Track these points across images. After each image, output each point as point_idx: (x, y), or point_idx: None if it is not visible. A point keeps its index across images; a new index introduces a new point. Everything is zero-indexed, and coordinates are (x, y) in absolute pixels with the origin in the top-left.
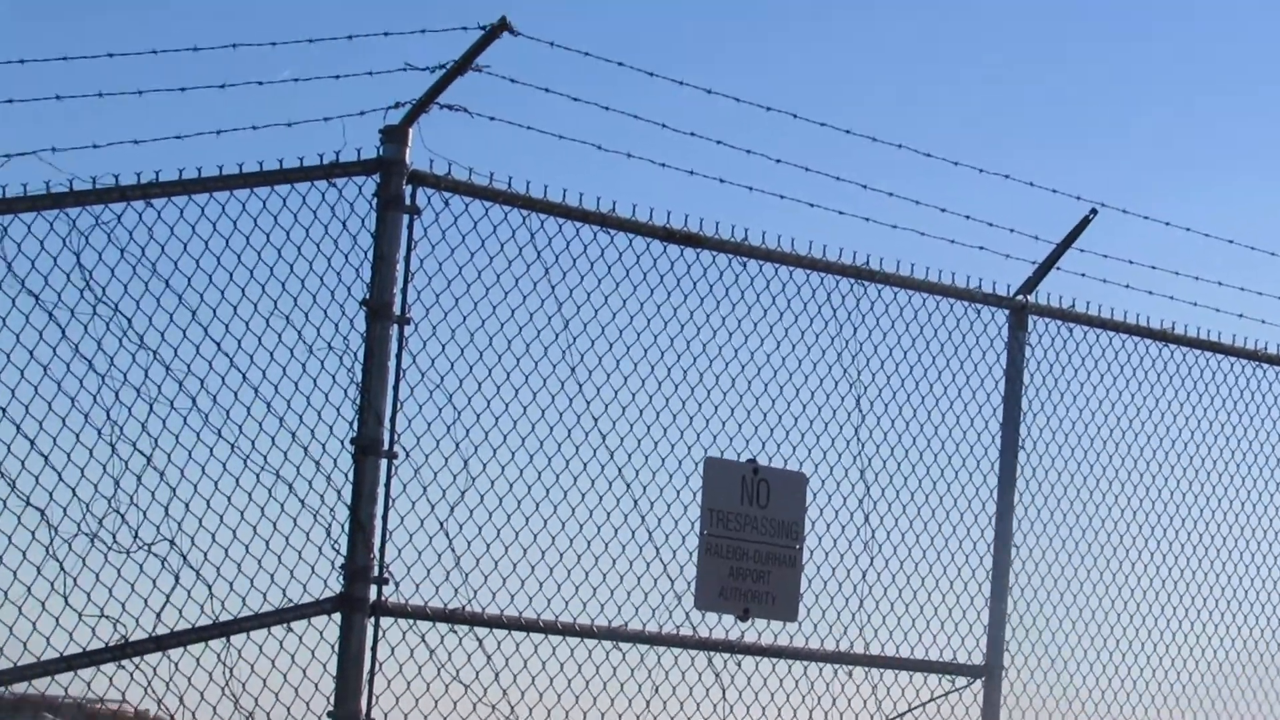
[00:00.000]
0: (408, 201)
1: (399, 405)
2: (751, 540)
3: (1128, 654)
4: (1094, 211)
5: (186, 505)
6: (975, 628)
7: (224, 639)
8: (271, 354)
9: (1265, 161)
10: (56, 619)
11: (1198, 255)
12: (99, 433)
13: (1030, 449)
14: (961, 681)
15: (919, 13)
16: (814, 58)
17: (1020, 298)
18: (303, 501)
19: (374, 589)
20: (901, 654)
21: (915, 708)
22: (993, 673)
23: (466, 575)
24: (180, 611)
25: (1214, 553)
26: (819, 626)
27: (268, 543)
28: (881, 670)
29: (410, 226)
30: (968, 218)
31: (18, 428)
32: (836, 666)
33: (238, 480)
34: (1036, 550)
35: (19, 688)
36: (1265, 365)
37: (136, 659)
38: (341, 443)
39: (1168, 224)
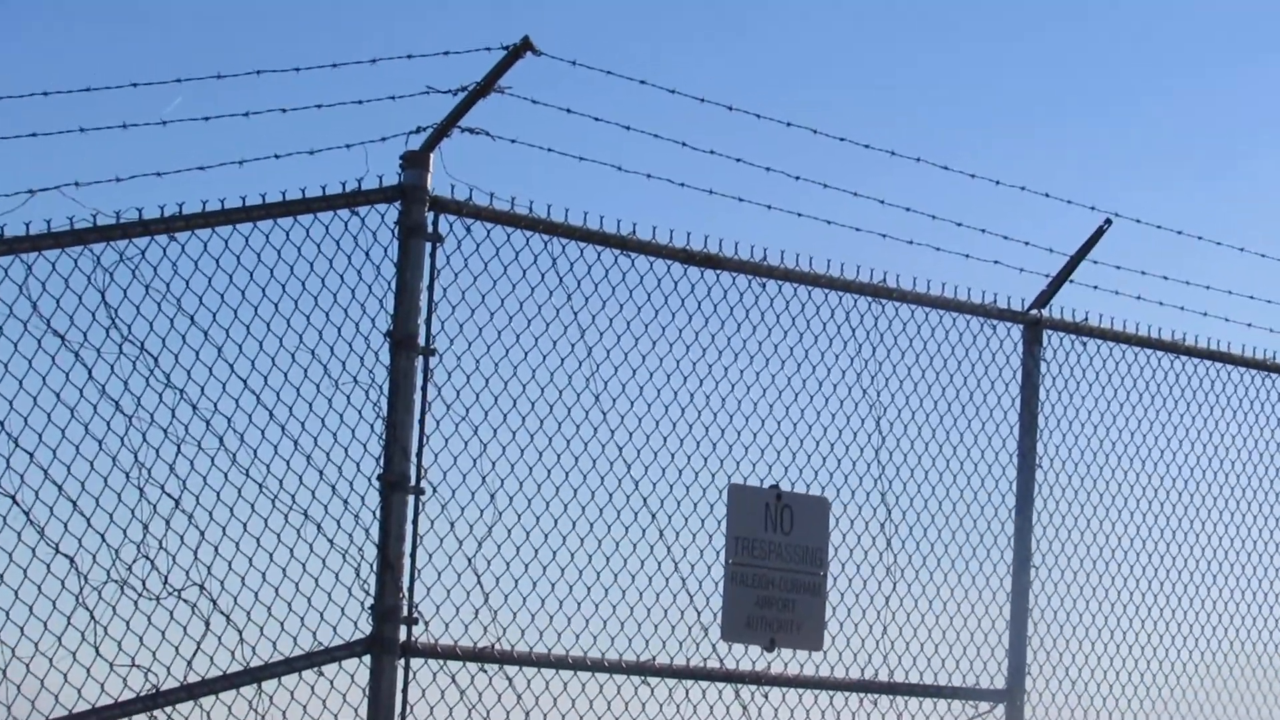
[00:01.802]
0: (430, 229)
1: (425, 439)
2: (777, 568)
3: (1147, 673)
4: (1108, 222)
5: (216, 549)
6: (997, 651)
7: (255, 685)
8: (297, 389)
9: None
10: (87, 669)
11: (1208, 263)
12: (127, 476)
13: (1048, 466)
14: (984, 707)
15: (936, 26)
16: (834, 71)
17: (1035, 312)
18: (331, 541)
19: (404, 629)
20: (925, 681)
21: None
22: (1015, 697)
23: (495, 613)
24: (211, 658)
25: (1231, 566)
26: (844, 655)
27: (297, 585)
28: (906, 698)
29: (433, 254)
30: (983, 231)
31: (45, 472)
32: (862, 695)
33: (266, 521)
34: (1055, 570)
35: None
36: (1274, 375)
37: (169, 709)
38: (369, 479)
39: (1180, 233)
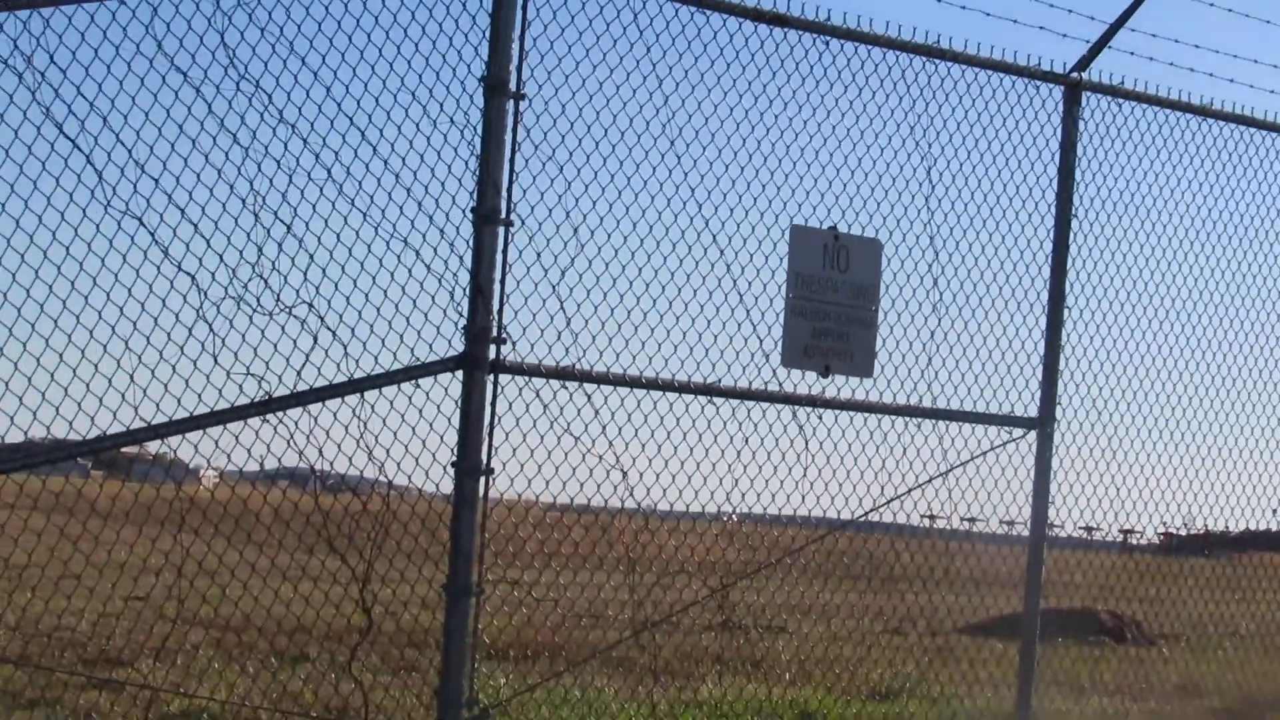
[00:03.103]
0: None
1: (515, 177)
2: (833, 302)
3: (1166, 406)
4: None
5: (323, 270)
6: (1031, 383)
7: (358, 395)
8: (399, 128)
9: None
10: (207, 376)
11: (1240, 33)
12: (243, 202)
13: (1082, 216)
14: (1018, 432)
15: None
16: None
17: (1075, 75)
18: (428, 267)
19: (493, 348)
20: (965, 407)
21: (976, 457)
22: (1045, 425)
23: (577, 335)
24: (319, 369)
25: (1246, 310)
26: (891, 382)
27: (397, 305)
28: (946, 422)
29: (524, 6)
30: None
31: (169, 197)
32: (907, 419)
33: (369, 247)
34: (1088, 311)
35: (173, 441)
36: None
37: (279, 413)
38: (463, 211)
39: (1211, 4)
